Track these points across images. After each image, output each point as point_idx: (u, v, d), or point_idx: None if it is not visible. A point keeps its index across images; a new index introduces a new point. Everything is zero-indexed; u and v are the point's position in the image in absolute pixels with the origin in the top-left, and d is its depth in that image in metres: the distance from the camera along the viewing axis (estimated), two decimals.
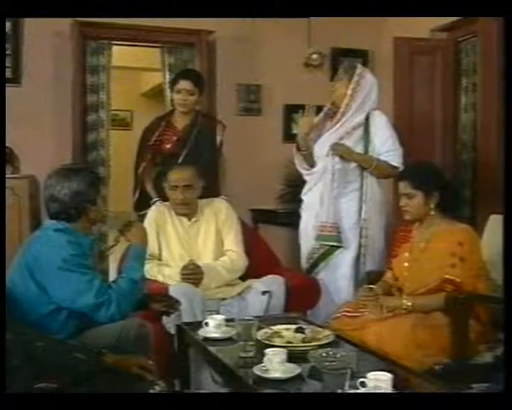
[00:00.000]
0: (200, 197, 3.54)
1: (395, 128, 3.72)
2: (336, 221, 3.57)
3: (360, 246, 3.61)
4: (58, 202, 2.45)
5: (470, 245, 2.83)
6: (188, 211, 3.48)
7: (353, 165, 3.59)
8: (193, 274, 3.25)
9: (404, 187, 2.97)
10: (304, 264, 3.75)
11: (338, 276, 3.62)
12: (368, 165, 3.55)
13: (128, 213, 3.95)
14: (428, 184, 2.93)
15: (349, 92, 3.57)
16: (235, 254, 3.48)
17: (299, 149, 3.75)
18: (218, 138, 3.96)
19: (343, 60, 5.40)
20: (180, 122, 3.91)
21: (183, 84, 3.81)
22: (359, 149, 3.58)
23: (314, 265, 3.66)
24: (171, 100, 4.10)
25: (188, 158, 3.77)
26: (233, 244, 3.51)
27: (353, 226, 3.61)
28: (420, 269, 2.89)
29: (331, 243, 3.58)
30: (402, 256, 3.06)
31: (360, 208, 3.61)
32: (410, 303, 2.79)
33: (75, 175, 2.48)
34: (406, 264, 2.99)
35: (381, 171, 3.58)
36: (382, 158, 3.56)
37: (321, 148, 3.64)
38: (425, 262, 2.89)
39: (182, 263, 3.33)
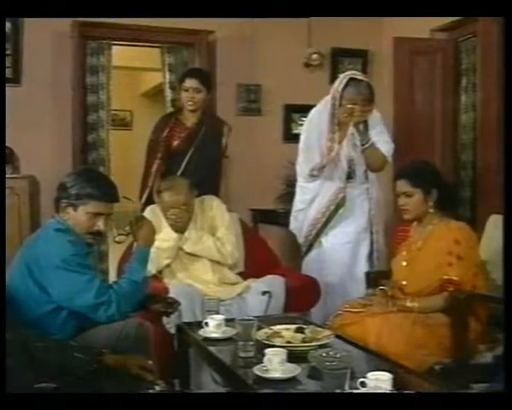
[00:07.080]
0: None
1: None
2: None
3: (372, 242, 3.73)
4: None
5: (467, 243, 2.83)
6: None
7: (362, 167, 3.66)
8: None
9: (402, 186, 2.95)
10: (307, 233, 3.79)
11: (357, 272, 3.65)
12: (365, 140, 3.55)
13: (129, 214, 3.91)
14: (427, 181, 2.92)
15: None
16: (223, 240, 3.47)
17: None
18: (224, 140, 3.98)
19: (343, 60, 5.43)
20: (189, 120, 3.93)
21: (190, 83, 3.84)
22: (357, 139, 3.61)
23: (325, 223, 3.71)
24: (173, 100, 4.11)
25: (194, 156, 3.80)
26: (224, 233, 3.49)
27: (366, 225, 3.73)
28: (417, 268, 2.89)
29: None
30: (400, 255, 3.06)
31: (369, 206, 3.73)
32: (416, 305, 2.79)
33: (73, 174, 2.65)
34: (404, 263, 2.99)
35: (373, 155, 3.60)
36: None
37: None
38: (422, 261, 2.89)
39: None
